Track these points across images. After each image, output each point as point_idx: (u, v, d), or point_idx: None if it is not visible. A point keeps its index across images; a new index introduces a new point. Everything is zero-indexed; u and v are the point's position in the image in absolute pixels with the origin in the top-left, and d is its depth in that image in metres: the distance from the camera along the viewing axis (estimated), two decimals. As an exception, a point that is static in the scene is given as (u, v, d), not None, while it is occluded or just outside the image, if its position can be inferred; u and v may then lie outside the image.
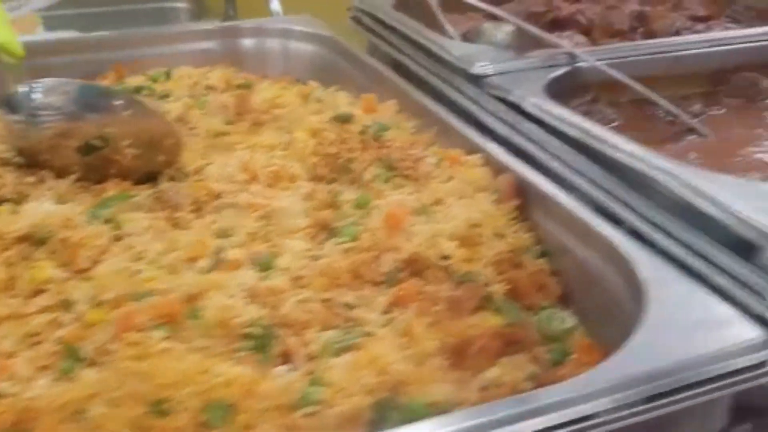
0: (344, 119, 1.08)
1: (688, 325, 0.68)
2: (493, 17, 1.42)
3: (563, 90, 1.22)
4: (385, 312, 0.80)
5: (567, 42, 1.25)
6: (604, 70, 1.21)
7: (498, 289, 0.83)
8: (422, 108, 1.18)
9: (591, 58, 1.23)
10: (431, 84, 1.32)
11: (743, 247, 0.75)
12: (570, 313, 0.84)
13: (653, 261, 0.77)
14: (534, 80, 1.18)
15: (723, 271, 0.75)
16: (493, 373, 0.72)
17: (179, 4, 2.67)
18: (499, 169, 0.99)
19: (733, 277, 0.74)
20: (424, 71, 1.34)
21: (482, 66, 1.21)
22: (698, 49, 1.34)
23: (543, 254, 0.91)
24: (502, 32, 1.30)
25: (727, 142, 1.12)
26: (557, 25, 1.64)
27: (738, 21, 1.68)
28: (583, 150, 0.97)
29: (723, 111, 1.26)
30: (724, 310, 0.70)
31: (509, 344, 0.77)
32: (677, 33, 1.58)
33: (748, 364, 0.65)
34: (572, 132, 0.99)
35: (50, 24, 2.01)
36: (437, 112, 1.15)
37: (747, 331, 0.67)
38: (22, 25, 1.86)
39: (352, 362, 0.69)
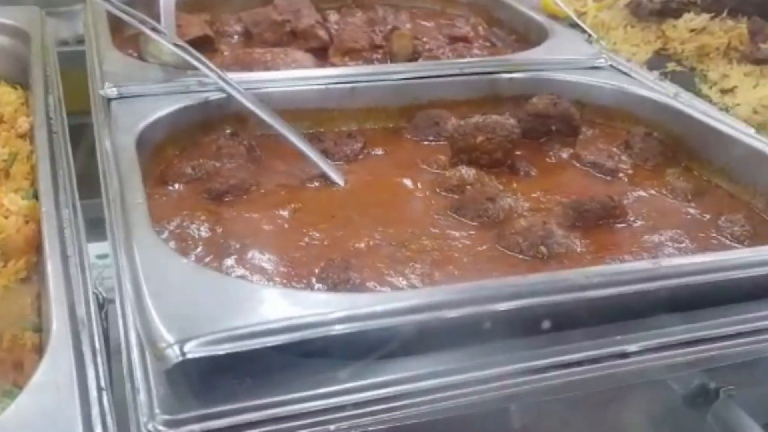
0: None
1: None
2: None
3: (205, 119, 1.11)
4: None
5: (207, 68, 1.12)
6: (252, 101, 1.09)
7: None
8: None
9: (238, 87, 1.10)
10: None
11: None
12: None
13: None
14: (164, 108, 1.06)
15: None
16: None
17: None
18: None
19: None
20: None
21: (110, 87, 1.09)
22: (389, 80, 1.22)
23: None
24: (167, 47, 1.16)
25: (336, 196, 1.00)
26: (296, 37, 1.53)
27: (494, 45, 1.58)
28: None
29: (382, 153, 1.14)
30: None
31: None
32: (416, 55, 1.48)
33: None
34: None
35: None
36: (42, 138, 1.03)
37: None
38: None
39: None
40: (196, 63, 1.11)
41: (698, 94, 1.34)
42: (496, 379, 0.67)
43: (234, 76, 1.15)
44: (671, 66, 1.49)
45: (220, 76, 1.10)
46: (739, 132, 1.08)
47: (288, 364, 0.63)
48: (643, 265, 0.77)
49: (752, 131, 1.18)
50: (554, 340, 0.70)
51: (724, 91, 1.36)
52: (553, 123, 1.17)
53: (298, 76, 1.21)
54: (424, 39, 1.57)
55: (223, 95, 1.12)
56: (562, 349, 0.69)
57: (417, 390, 0.64)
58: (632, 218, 0.97)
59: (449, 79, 1.25)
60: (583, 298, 0.69)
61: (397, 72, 1.24)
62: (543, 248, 0.89)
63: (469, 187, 1.01)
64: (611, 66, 1.35)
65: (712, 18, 1.56)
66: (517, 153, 1.12)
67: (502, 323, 0.68)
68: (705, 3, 1.59)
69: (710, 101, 1.31)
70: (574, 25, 1.64)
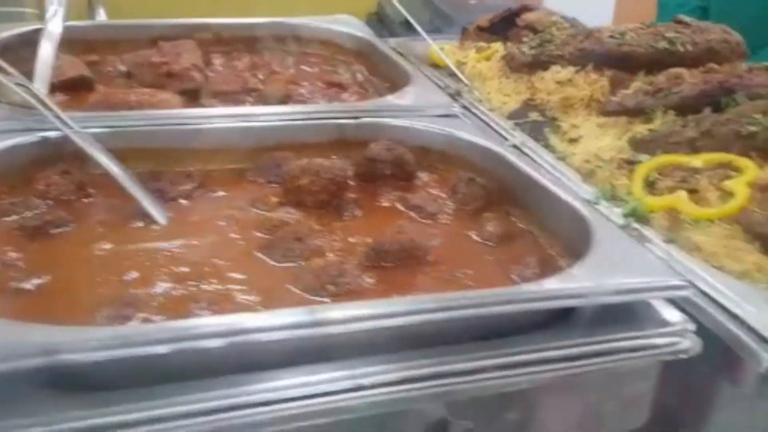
0: None
1: None
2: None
3: (40, 157, 1.14)
4: None
5: (44, 106, 1.15)
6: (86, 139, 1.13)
7: None
8: None
9: (75, 126, 1.14)
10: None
11: None
12: None
13: None
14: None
15: None
16: None
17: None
18: None
19: None
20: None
21: None
22: (228, 123, 1.27)
23: None
24: (12, 87, 1.20)
25: (152, 235, 1.04)
26: (172, 79, 1.58)
27: (366, 90, 1.64)
28: None
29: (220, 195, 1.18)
30: None
31: None
32: (288, 99, 1.53)
33: None
34: None
35: None
36: None
37: None
38: None
39: None
40: (34, 102, 1.15)
41: (546, 143, 1.40)
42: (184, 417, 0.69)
43: (79, 115, 1.19)
44: (533, 116, 1.55)
45: (56, 115, 1.14)
46: (548, 180, 1.12)
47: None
48: (380, 302, 0.80)
49: (578, 180, 1.24)
50: (286, 374, 0.74)
51: (571, 141, 1.42)
52: (387, 167, 1.22)
53: (143, 116, 1.25)
54: (303, 83, 1.63)
55: (62, 133, 1.15)
56: (292, 383, 0.72)
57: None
58: (433, 259, 1.01)
59: (297, 123, 1.29)
60: (314, 335, 0.73)
61: (243, 115, 1.29)
62: (331, 287, 0.93)
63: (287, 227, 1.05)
64: (463, 114, 1.42)
65: (578, 71, 1.63)
66: (352, 195, 1.17)
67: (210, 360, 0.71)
68: (572, 57, 1.66)
69: (553, 150, 1.37)
70: (453, 75, 1.71)
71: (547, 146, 1.39)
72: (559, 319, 0.86)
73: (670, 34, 1.65)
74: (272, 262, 0.99)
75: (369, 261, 0.99)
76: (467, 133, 1.27)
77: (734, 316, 0.91)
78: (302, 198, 1.12)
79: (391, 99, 1.38)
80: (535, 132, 1.45)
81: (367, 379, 0.73)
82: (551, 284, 0.82)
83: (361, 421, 0.74)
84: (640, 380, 0.86)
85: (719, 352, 0.89)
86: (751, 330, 0.89)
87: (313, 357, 0.75)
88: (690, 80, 1.43)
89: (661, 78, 1.47)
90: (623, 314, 0.86)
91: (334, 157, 1.24)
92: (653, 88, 1.45)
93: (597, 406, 0.84)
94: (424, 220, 1.13)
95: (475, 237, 1.08)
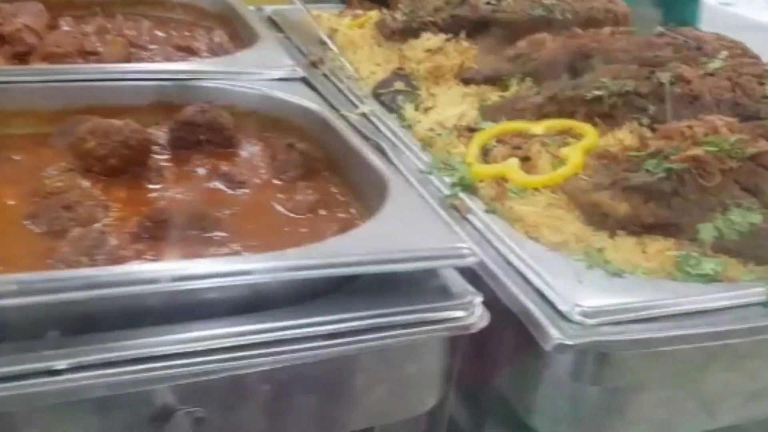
0: None
1: None
2: None
3: None
4: None
5: None
6: None
7: None
8: None
9: None
10: None
11: None
12: None
13: None
14: None
15: None
16: None
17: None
18: None
19: None
20: None
21: None
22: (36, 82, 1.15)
23: None
24: None
25: None
26: (4, 42, 1.45)
27: (217, 56, 1.52)
28: None
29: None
30: None
31: None
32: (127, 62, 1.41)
33: None
34: None
35: None
36: None
37: None
38: None
39: None
40: None
41: (399, 112, 1.31)
42: None
43: None
44: (398, 85, 1.45)
45: None
46: (367, 150, 1.02)
47: None
48: (85, 272, 0.70)
49: (418, 149, 1.15)
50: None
51: (426, 110, 1.32)
52: (202, 132, 1.11)
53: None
54: (151, 47, 1.51)
55: None
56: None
57: None
58: (222, 231, 0.91)
59: (110, 84, 1.17)
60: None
61: (48, 72, 1.17)
62: (84, 258, 0.81)
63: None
64: (319, 81, 1.32)
65: (449, 39, 1.53)
66: (162, 163, 1.06)
67: None
68: (445, 23, 1.56)
69: (403, 119, 1.27)
70: (323, 43, 1.61)
71: (401, 116, 1.29)
72: (334, 290, 0.76)
73: (548, 2, 1.57)
74: (37, 231, 0.88)
75: (143, 232, 0.88)
76: (293, 95, 1.17)
77: (536, 290, 0.82)
78: (90, 163, 1.00)
79: (223, 61, 1.28)
80: (395, 101, 1.35)
81: (65, 361, 0.62)
82: (303, 253, 0.72)
83: (64, 410, 0.64)
84: (421, 358, 0.77)
85: (518, 328, 0.81)
86: (548, 303, 0.80)
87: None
88: (551, 46, 1.34)
89: (522, 44, 1.38)
90: (405, 285, 0.77)
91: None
92: (513, 54, 1.36)
93: (366, 390, 0.75)
94: (231, 190, 1.02)
95: (281, 208, 0.98)
